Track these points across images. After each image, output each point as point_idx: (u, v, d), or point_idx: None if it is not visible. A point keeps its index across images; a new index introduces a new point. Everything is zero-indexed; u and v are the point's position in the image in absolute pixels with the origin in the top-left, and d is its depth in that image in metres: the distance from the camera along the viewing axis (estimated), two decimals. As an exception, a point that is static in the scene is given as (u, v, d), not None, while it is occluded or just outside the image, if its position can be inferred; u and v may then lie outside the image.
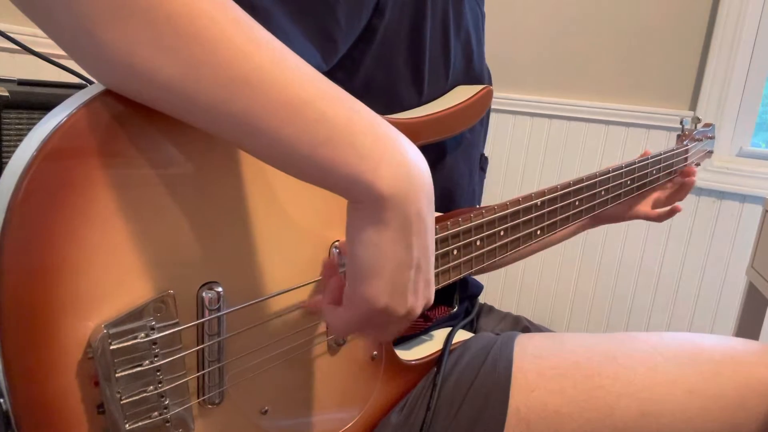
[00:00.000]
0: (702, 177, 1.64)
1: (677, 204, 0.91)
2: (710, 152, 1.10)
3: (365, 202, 0.36)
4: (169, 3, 0.31)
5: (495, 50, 1.01)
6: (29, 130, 0.34)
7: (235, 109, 0.33)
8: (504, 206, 0.61)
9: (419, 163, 0.38)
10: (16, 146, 0.85)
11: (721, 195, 1.64)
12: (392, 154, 0.36)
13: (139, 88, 0.33)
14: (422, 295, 0.41)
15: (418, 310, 0.41)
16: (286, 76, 0.34)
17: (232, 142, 0.37)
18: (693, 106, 1.67)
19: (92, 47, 0.31)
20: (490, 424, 0.54)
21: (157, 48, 0.31)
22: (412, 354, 0.61)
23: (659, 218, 0.92)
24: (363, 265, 0.37)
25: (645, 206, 0.92)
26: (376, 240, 0.37)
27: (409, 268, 0.38)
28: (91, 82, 0.35)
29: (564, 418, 0.54)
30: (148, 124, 0.36)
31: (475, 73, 0.69)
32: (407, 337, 0.65)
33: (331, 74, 0.54)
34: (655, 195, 0.92)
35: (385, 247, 0.37)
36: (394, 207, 0.36)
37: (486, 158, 0.79)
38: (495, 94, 0.67)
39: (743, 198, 1.61)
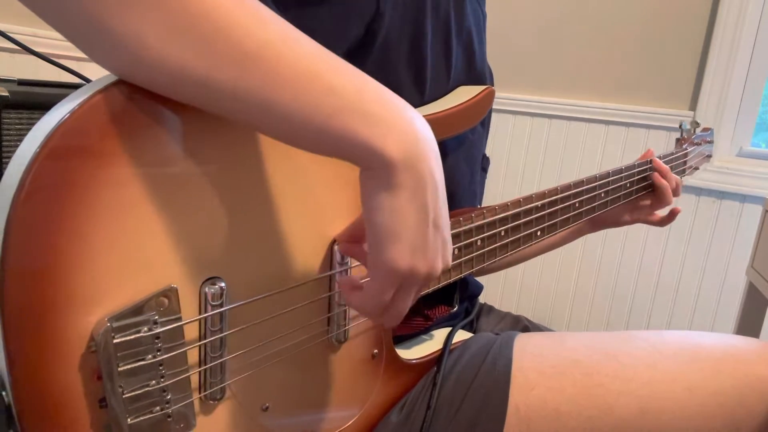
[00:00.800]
0: (702, 177, 1.64)
1: (676, 206, 0.91)
2: (709, 156, 1.11)
3: (377, 169, 0.37)
4: None
5: (495, 50, 1.02)
6: (29, 130, 0.34)
7: (248, 86, 0.33)
8: (505, 207, 0.61)
9: (425, 130, 0.39)
10: (16, 146, 0.85)
11: (721, 195, 1.64)
12: (400, 121, 0.37)
13: (151, 74, 0.33)
14: (441, 254, 0.41)
15: (438, 271, 0.41)
16: (295, 50, 0.35)
17: (243, 122, 0.38)
18: (693, 106, 1.67)
19: (102, 35, 0.31)
20: (490, 423, 0.54)
21: (169, 30, 0.31)
22: (412, 353, 0.61)
23: (661, 222, 0.92)
24: (382, 230, 0.38)
25: (645, 211, 0.91)
26: (391, 204, 0.37)
27: (426, 226, 0.39)
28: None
29: (564, 416, 0.54)
30: (150, 120, 0.36)
31: (476, 73, 0.69)
32: (407, 337, 0.65)
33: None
34: (646, 200, 0.92)
35: (402, 210, 0.37)
36: (406, 169, 0.37)
37: (487, 158, 0.79)
38: (495, 93, 0.67)
39: (743, 198, 1.61)
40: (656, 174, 0.87)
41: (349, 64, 0.38)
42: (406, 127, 0.37)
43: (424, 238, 0.39)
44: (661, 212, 0.92)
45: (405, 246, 0.38)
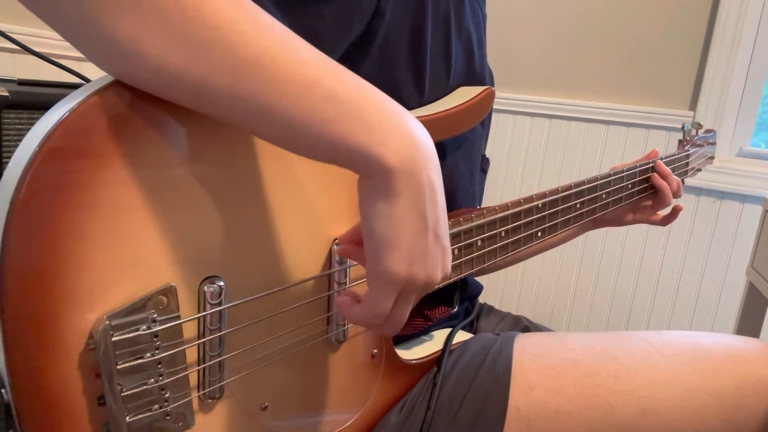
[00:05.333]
0: (702, 177, 1.64)
1: (678, 204, 0.90)
2: (711, 158, 1.11)
3: (375, 176, 0.37)
4: None
5: (495, 50, 1.02)
6: (29, 130, 0.34)
7: (246, 91, 0.33)
8: (505, 207, 0.61)
9: (424, 138, 0.39)
10: (16, 146, 0.85)
11: (721, 195, 1.64)
12: (399, 128, 0.37)
13: (149, 76, 0.33)
14: (441, 262, 0.41)
15: (438, 279, 0.41)
16: (294, 56, 0.35)
17: (241, 126, 0.38)
18: (693, 106, 1.67)
19: (100, 37, 0.31)
20: (489, 423, 0.54)
21: (166, 34, 0.31)
22: (412, 353, 0.61)
23: (663, 221, 0.91)
24: (380, 238, 0.38)
25: (647, 211, 0.91)
26: (389, 211, 0.37)
27: (425, 235, 0.39)
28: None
29: (564, 416, 0.54)
30: (149, 120, 0.36)
31: (476, 74, 0.69)
32: (407, 337, 0.65)
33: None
34: (647, 201, 0.92)
35: (400, 218, 0.37)
36: (404, 177, 0.37)
37: (487, 159, 0.79)
38: (496, 94, 0.67)
39: (743, 198, 1.61)
40: (656, 175, 0.87)
41: (348, 70, 0.38)
42: (405, 135, 0.37)
43: (423, 246, 0.39)
44: (663, 211, 0.92)
45: (403, 254, 0.38)
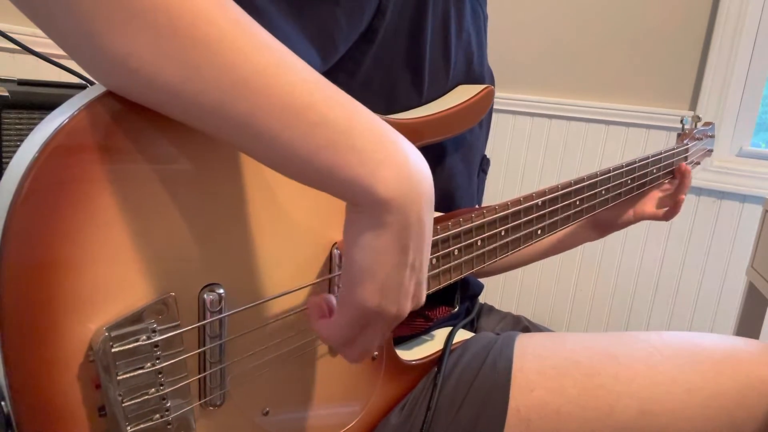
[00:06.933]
0: (702, 177, 1.64)
1: (680, 195, 0.90)
2: (710, 151, 1.11)
3: (364, 206, 0.36)
4: (168, 5, 0.31)
5: (495, 50, 1.02)
6: (29, 130, 0.34)
7: (236, 112, 0.32)
8: (505, 206, 0.61)
9: (420, 165, 0.38)
10: (16, 146, 0.85)
11: (721, 195, 1.64)
12: (392, 157, 0.36)
13: (141, 91, 0.33)
14: (413, 295, 0.41)
15: (408, 311, 0.41)
16: (288, 78, 0.34)
17: (233, 145, 0.37)
18: (693, 106, 1.67)
19: (93, 50, 0.31)
20: (490, 424, 0.54)
21: (158, 51, 0.31)
22: (412, 354, 0.61)
23: (665, 216, 0.91)
24: (359, 268, 0.37)
25: (649, 207, 0.91)
26: (373, 244, 0.36)
27: (404, 269, 0.38)
28: (92, 83, 0.35)
29: (564, 417, 0.54)
30: (150, 126, 0.36)
31: (476, 74, 0.69)
32: (408, 337, 0.65)
33: (331, 75, 0.54)
34: (656, 194, 0.92)
35: (382, 251, 0.37)
36: (393, 211, 0.36)
37: (488, 159, 0.79)
38: (495, 93, 0.67)
39: (743, 198, 1.61)
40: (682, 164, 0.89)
41: (344, 92, 0.37)
42: (399, 165, 0.36)
43: (399, 279, 0.38)
44: (665, 208, 0.92)
45: (377, 286, 0.37)
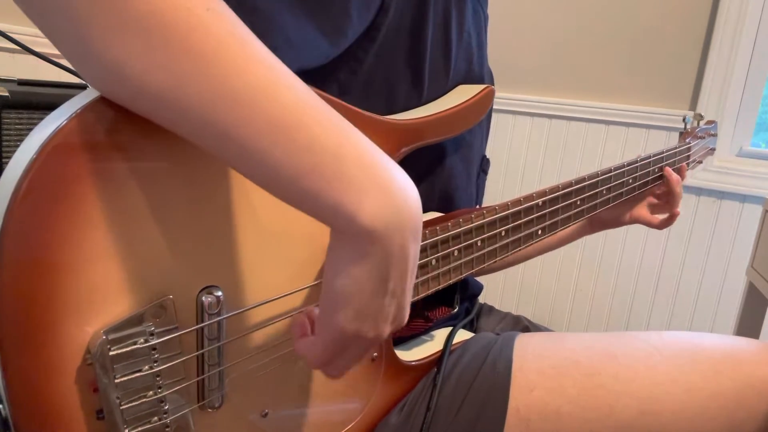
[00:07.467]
0: (702, 177, 1.64)
1: (676, 210, 0.91)
2: (713, 149, 1.10)
3: (347, 233, 0.35)
4: (163, 14, 0.30)
5: (496, 50, 1.01)
6: (29, 130, 0.34)
7: (223, 127, 0.32)
8: (505, 206, 0.61)
9: (408, 193, 0.37)
10: (16, 146, 0.85)
11: (721, 195, 1.64)
12: (380, 186, 0.35)
13: (132, 97, 0.33)
14: (394, 318, 0.40)
15: (387, 334, 0.40)
16: (278, 96, 0.33)
17: (217, 157, 0.36)
18: (693, 106, 1.67)
19: (86, 54, 0.31)
20: (490, 424, 0.54)
21: (149, 60, 0.31)
22: (412, 354, 0.61)
23: (660, 225, 0.92)
24: (338, 294, 0.37)
25: (645, 211, 0.92)
26: (354, 272, 0.36)
27: (383, 297, 0.38)
28: (92, 84, 0.35)
29: (564, 417, 0.54)
30: (150, 127, 0.36)
31: (475, 75, 0.69)
32: (407, 338, 0.65)
33: (333, 74, 0.54)
34: (652, 200, 0.92)
35: (363, 279, 0.36)
36: (376, 241, 0.35)
37: (488, 160, 0.79)
38: (495, 93, 0.67)
39: (743, 198, 1.61)
40: (673, 177, 0.88)
41: (336, 113, 0.36)
42: (386, 195, 0.35)
43: (378, 306, 0.38)
44: (661, 215, 0.92)
45: (355, 312, 0.37)
